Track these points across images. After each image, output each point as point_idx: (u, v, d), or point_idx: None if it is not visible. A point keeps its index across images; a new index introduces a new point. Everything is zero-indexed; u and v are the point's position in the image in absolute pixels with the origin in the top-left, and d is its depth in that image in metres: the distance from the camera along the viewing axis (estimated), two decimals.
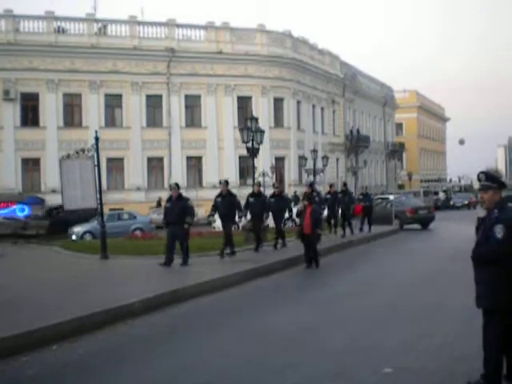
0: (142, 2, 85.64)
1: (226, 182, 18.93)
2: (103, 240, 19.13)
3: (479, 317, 6.35)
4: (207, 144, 49.74)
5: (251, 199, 19.73)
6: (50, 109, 45.43)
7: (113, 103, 47.68)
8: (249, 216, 19.83)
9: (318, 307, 11.22)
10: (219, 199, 18.40)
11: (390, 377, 6.90)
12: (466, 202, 60.53)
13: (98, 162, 19.48)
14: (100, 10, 78.96)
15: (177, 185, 17.07)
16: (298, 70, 54.45)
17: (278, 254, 18.70)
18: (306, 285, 14.53)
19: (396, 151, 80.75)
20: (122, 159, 47.40)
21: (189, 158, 49.74)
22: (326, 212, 24.87)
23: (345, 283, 14.28)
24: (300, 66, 54.82)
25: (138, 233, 30.73)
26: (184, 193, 44.26)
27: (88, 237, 30.69)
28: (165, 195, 44.43)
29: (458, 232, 27.79)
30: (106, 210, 24.58)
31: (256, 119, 26.01)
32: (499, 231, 5.93)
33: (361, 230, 27.15)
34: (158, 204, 43.61)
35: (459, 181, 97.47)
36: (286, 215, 21.89)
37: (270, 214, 20.25)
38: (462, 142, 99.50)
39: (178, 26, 49.64)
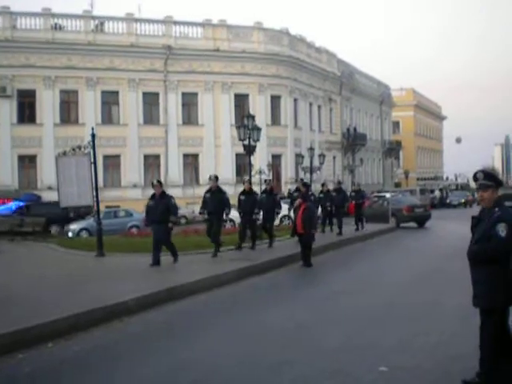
0: (139, 0, 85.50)
1: (216, 178, 18.52)
2: (99, 237, 19.12)
3: (475, 316, 6.36)
4: (204, 141, 49.73)
5: (242, 197, 19.66)
6: (47, 106, 45.38)
7: (109, 100, 47.64)
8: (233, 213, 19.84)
9: (314, 305, 11.22)
10: (208, 195, 18.14)
11: (386, 375, 6.90)
12: (463, 201, 60.57)
13: (95, 159, 19.46)
14: (97, 7, 78.87)
15: (159, 182, 16.72)
16: (295, 68, 54.45)
17: (274, 252, 18.67)
18: (301, 283, 14.54)
19: (393, 149, 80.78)
20: (118, 156, 47.38)
21: (185, 156, 49.73)
22: (319, 211, 24.86)
23: (340, 281, 14.28)
24: (297, 64, 54.82)
25: (134, 230, 30.79)
26: (181, 190, 44.43)
27: (84, 234, 30.76)
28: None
29: (454, 230, 27.81)
30: (102, 208, 24.57)
31: (253, 117, 26.00)
32: (502, 229, 5.92)
33: (357, 229, 26.96)
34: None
35: (456, 179, 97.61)
36: (283, 213, 21.94)
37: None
38: (458, 140, 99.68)
39: (176, 23, 49.60)
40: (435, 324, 9.33)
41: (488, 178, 6.17)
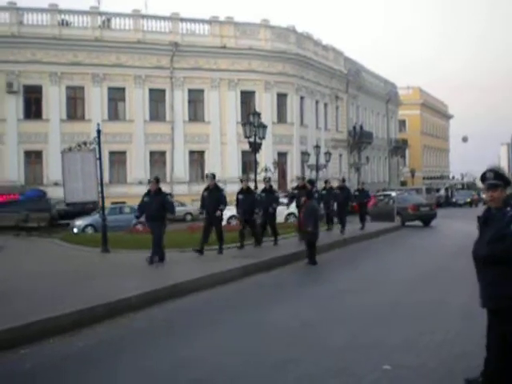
0: None
1: (213, 176, 18.31)
2: (104, 233, 19.12)
3: (480, 315, 6.30)
4: (210, 138, 49.71)
5: (240, 196, 19.42)
6: (53, 101, 45.43)
7: (116, 96, 47.64)
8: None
9: (319, 303, 11.16)
10: (206, 193, 17.88)
11: (390, 374, 6.85)
12: (469, 200, 60.40)
13: (100, 155, 19.46)
14: (104, 3, 78.82)
15: (156, 178, 16.53)
16: (301, 66, 54.36)
17: (279, 250, 18.61)
18: (306, 281, 14.48)
19: (399, 148, 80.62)
20: (124, 153, 47.42)
21: (191, 153, 49.72)
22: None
23: (346, 280, 14.23)
24: (304, 62, 54.73)
25: (139, 227, 30.69)
26: (186, 187, 44.41)
27: (90, 230, 30.76)
28: (167, 190, 44.77)
29: (460, 229, 27.74)
30: (107, 204, 24.57)
31: (259, 114, 25.97)
32: None
33: (361, 228, 26.61)
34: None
35: (462, 178, 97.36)
36: (289, 211, 21.81)
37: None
38: (465, 139, 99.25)
39: (182, 20, 49.56)
40: (440, 323, 9.27)
41: (498, 178, 6.10)
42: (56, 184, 37.89)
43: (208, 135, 49.67)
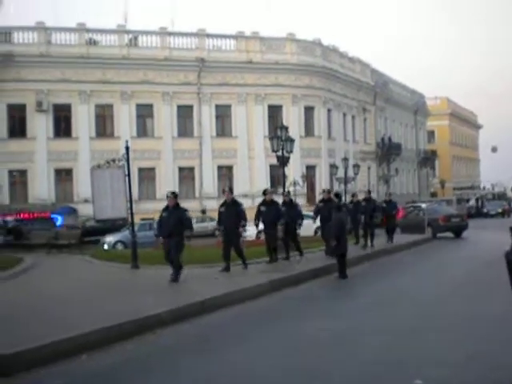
0: (173, 13, 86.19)
1: (230, 190, 17.79)
2: (134, 250, 19.19)
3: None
4: (238, 153, 49.82)
5: (263, 208, 18.67)
6: (82, 119, 45.94)
7: (144, 113, 48.02)
8: (261, 226, 19.04)
9: (349, 317, 11.06)
10: (223, 209, 17.15)
11: None
12: (500, 210, 59.70)
13: (129, 171, 19.56)
14: (131, 21, 79.66)
15: (173, 193, 15.93)
16: (328, 79, 54.32)
17: (307, 264, 18.46)
18: (336, 294, 14.39)
19: (428, 159, 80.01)
20: (153, 169, 47.71)
21: (220, 168, 49.88)
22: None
23: (376, 293, 14.08)
24: (330, 75, 54.70)
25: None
26: (215, 202, 44.50)
27: (120, 246, 30.93)
28: (196, 205, 45.01)
29: (492, 240, 27.31)
30: (137, 220, 24.66)
31: (286, 128, 25.97)
32: None
33: (389, 241, 26.00)
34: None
35: (492, 188, 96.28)
36: (318, 224, 21.35)
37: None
38: (494, 149, 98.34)
39: (208, 36, 49.88)
40: (473, 335, 9.12)
41: None
42: (86, 201, 38.12)
43: (236, 150, 49.78)
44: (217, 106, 49.68)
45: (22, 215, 38.33)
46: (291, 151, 25.71)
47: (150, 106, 47.98)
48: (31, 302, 12.62)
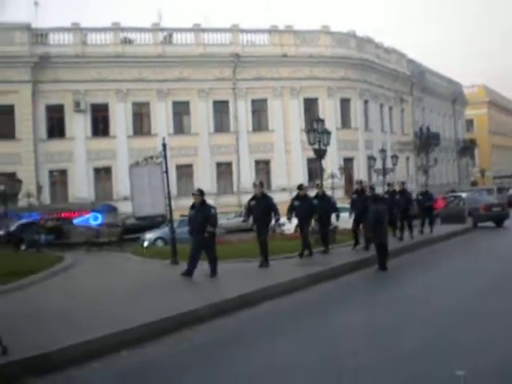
0: (206, 9, 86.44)
1: (261, 184, 17.74)
2: (173, 246, 19.30)
3: None
4: (275, 147, 49.75)
5: (296, 202, 18.69)
6: (120, 118, 46.33)
7: (180, 110, 48.20)
8: (294, 220, 19.03)
9: (389, 309, 11.00)
10: (253, 202, 17.02)
11: (464, 380, 6.66)
12: None
13: (167, 168, 19.67)
14: (165, 19, 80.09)
15: (200, 191, 15.88)
16: (364, 70, 53.94)
17: (347, 257, 18.41)
18: (375, 287, 14.31)
19: (467, 148, 79.04)
20: (191, 165, 47.90)
21: (257, 162, 49.88)
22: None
23: (416, 285, 13.97)
24: (366, 66, 54.30)
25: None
26: None
27: (160, 243, 31.12)
28: (234, 200, 45.15)
29: None
30: (176, 216, 24.77)
31: (322, 121, 25.89)
32: None
33: (421, 232, 25.48)
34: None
35: None
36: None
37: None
38: None
39: (242, 31, 49.88)
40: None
41: None
42: (125, 199, 38.48)
43: (272, 144, 49.74)
44: (252, 101, 49.68)
45: (62, 214, 38.86)
46: (328, 144, 25.60)
47: (187, 103, 48.17)
48: (70, 300, 12.76)
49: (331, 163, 44.40)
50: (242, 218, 40.63)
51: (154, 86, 46.53)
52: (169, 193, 19.74)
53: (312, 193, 20.31)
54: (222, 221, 37.97)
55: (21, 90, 43.86)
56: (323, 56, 50.75)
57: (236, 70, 48.49)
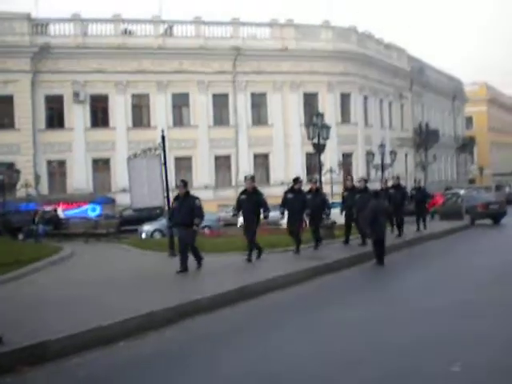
0: (207, 2, 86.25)
1: (252, 178, 17.24)
2: (171, 238, 19.27)
3: None
4: (274, 141, 49.83)
5: (290, 195, 18.09)
6: (119, 110, 46.37)
7: (180, 103, 48.27)
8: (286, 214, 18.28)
9: (388, 304, 11.00)
10: (244, 197, 16.60)
11: (460, 374, 6.69)
12: None
13: (165, 160, 19.63)
14: (165, 11, 79.91)
15: (183, 181, 15.52)
16: (364, 65, 53.96)
17: (346, 251, 18.43)
18: (373, 282, 14.32)
19: (466, 145, 79.09)
20: (189, 158, 47.98)
21: (256, 156, 49.96)
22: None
23: (414, 280, 13.98)
24: (366, 61, 54.32)
25: (206, 230, 30.93)
26: None
27: (157, 235, 31.15)
28: (232, 194, 45.12)
29: None
30: None
31: (322, 115, 25.82)
32: None
33: (418, 229, 24.96)
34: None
35: None
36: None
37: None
38: None
39: (243, 24, 49.88)
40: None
41: None
42: (124, 191, 38.49)
43: (272, 138, 49.79)
44: (252, 95, 49.72)
45: (60, 205, 38.88)
46: (327, 138, 25.53)
47: (186, 95, 48.18)
48: (68, 290, 12.75)
49: (330, 158, 44.52)
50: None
51: (153, 78, 46.53)
52: (167, 185, 19.71)
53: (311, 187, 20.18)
54: (221, 214, 38.11)
55: (20, 80, 43.82)
56: (324, 50, 50.76)
57: (236, 63, 48.50)
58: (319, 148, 24.84)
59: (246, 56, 48.52)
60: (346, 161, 51.67)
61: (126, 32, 47.10)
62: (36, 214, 33.30)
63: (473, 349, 7.52)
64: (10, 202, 37.05)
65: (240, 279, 13.14)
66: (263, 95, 50.15)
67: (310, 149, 27.58)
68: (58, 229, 33.74)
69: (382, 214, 16.78)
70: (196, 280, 13.71)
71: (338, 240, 20.67)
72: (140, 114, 47.97)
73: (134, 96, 47.13)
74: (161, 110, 47.11)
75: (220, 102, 49.13)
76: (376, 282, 14.31)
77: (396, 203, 22.38)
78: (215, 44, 48.09)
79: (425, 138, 63.82)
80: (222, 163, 49.39)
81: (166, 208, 20.01)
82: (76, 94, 44.89)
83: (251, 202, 16.40)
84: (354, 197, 19.63)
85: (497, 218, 31.21)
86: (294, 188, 18.37)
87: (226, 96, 49.10)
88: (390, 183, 25.48)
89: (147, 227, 32.34)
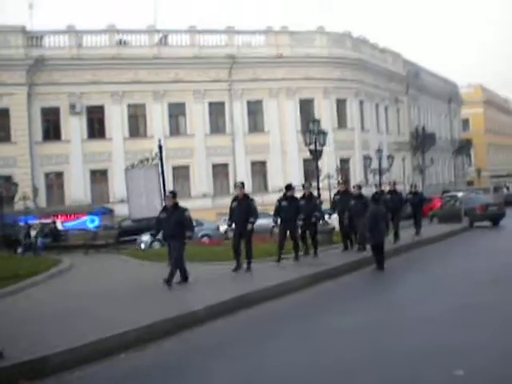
0: (201, 11, 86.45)
1: (242, 185, 16.99)
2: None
3: None
4: (271, 148, 49.83)
5: (284, 203, 17.95)
6: (115, 120, 46.34)
7: (176, 112, 48.30)
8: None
9: (388, 310, 10.97)
10: (235, 204, 16.48)
11: (462, 379, 6.65)
12: None
13: (163, 170, 19.66)
14: (160, 20, 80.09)
15: (172, 193, 15.25)
16: (359, 70, 54.00)
17: (345, 257, 18.39)
18: (372, 287, 14.29)
19: (463, 147, 79.10)
20: (187, 167, 47.97)
21: (253, 163, 49.95)
22: None
23: (414, 284, 13.96)
24: (362, 66, 54.35)
25: (205, 239, 30.94)
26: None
27: (156, 245, 31.06)
28: (230, 202, 45.05)
29: None
30: None
31: (318, 121, 25.88)
32: None
33: (417, 233, 24.71)
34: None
35: None
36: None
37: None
38: None
39: (238, 32, 49.95)
40: None
41: None
42: (122, 201, 38.44)
43: (268, 145, 49.79)
44: (248, 102, 49.75)
45: (59, 217, 38.83)
46: (324, 144, 25.57)
47: (182, 105, 48.21)
48: (67, 303, 12.71)
49: (328, 164, 44.38)
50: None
51: (149, 88, 46.53)
52: (165, 194, 19.68)
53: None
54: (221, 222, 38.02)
55: (16, 93, 43.80)
56: (319, 56, 50.80)
57: (232, 71, 48.53)
58: (316, 154, 24.87)
59: (241, 64, 48.54)
60: (344, 166, 51.65)
61: (120, 42, 47.13)
62: (30, 227, 33.28)
63: (472, 357, 7.47)
64: (9, 214, 37.00)
65: (239, 288, 13.13)
66: (259, 102, 50.18)
67: (307, 155, 27.55)
68: (57, 241, 33.67)
69: (382, 219, 16.79)
70: (194, 290, 13.64)
71: (337, 246, 20.63)
72: (136, 124, 47.96)
73: (130, 106, 47.15)
74: (157, 119, 47.13)
75: (216, 111, 49.16)
76: (375, 287, 14.29)
77: (392, 208, 21.91)
78: (210, 52, 48.11)
79: (422, 142, 63.87)
80: (220, 171, 49.36)
81: None
82: (72, 106, 44.88)
83: (242, 209, 16.27)
84: (347, 201, 19.56)
85: (496, 219, 31.18)
86: (287, 195, 18.24)
87: (222, 104, 49.14)
88: (386, 188, 25.27)
89: (146, 237, 32.24)
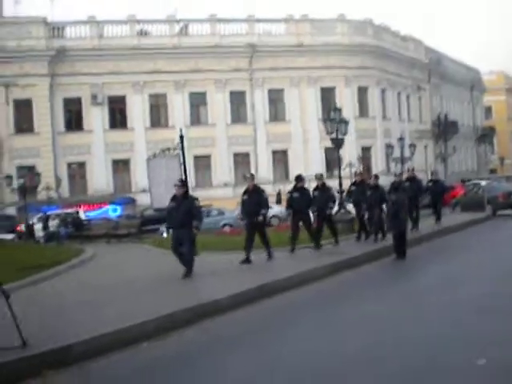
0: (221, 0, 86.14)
1: (252, 176, 17.00)
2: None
3: None
4: (292, 137, 49.78)
5: (296, 194, 17.72)
6: (137, 110, 46.56)
7: (197, 101, 48.42)
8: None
9: (408, 299, 10.92)
10: (245, 196, 16.31)
11: (482, 368, 6.62)
12: None
13: (184, 159, 19.62)
14: (180, 10, 79.92)
15: (182, 181, 14.99)
16: (381, 58, 53.66)
17: (365, 246, 18.35)
18: (394, 276, 14.26)
19: (486, 135, 78.35)
20: (208, 156, 48.08)
21: (274, 152, 49.95)
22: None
23: (436, 274, 13.84)
24: (383, 54, 54.03)
25: (226, 228, 31.02)
26: (271, 187, 44.18)
27: None
28: None
29: None
30: None
31: (340, 110, 25.77)
32: None
33: (438, 220, 24.34)
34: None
35: None
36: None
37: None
38: None
39: (258, 21, 49.88)
40: None
41: None
42: (144, 191, 38.57)
43: (290, 134, 49.73)
44: (269, 91, 49.70)
45: (81, 207, 39.11)
46: (346, 133, 25.45)
47: (203, 94, 48.27)
48: (91, 292, 12.82)
49: (349, 152, 44.23)
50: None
51: (170, 78, 46.65)
52: (187, 184, 19.72)
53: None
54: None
55: (38, 84, 44.15)
56: (340, 44, 50.60)
57: (252, 60, 48.48)
58: (338, 143, 24.79)
59: (262, 52, 48.49)
60: (366, 155, 51.48)
61: (141, 32, 47.29)
62: (48, 217, 33.53)
63: (496, 346, 7.41)
64: (32, 204, 37.33)
65: (259, 278, 13.14)
66: (280, 91, 50.11)
67: (329, 143, 27.45)
68: (80, 230, 33.94)
69: (403, 208, 16.72)
70: (215, 280, 13.67)
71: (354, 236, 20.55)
72: (158, 113, 48.17)
73: (151, 96, 47.32)
74: (178, 109, 47.25)
75: (237, 100, 49.17)
76: (397, 275, 14.27)
77: (411, 196, 20.85)
78: (231, 42, 48.10)
79: (444, 130, 63.35)
80: (241, 160, 49.42)
81: None
82: (94, 96, 45.15)
83: (253, 201, 16.10)
84: (363, 192, 19.48)
85: None
86: (298, 187, 18.14)
87: (243, 93, 49.14)
88: (404, 175, 24.97)
89: None
